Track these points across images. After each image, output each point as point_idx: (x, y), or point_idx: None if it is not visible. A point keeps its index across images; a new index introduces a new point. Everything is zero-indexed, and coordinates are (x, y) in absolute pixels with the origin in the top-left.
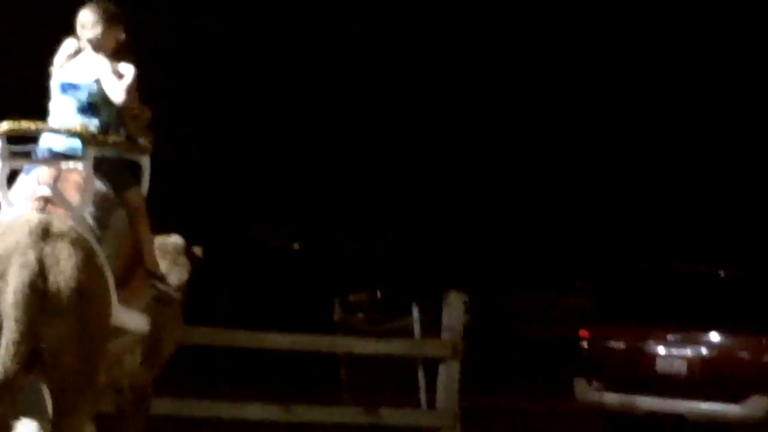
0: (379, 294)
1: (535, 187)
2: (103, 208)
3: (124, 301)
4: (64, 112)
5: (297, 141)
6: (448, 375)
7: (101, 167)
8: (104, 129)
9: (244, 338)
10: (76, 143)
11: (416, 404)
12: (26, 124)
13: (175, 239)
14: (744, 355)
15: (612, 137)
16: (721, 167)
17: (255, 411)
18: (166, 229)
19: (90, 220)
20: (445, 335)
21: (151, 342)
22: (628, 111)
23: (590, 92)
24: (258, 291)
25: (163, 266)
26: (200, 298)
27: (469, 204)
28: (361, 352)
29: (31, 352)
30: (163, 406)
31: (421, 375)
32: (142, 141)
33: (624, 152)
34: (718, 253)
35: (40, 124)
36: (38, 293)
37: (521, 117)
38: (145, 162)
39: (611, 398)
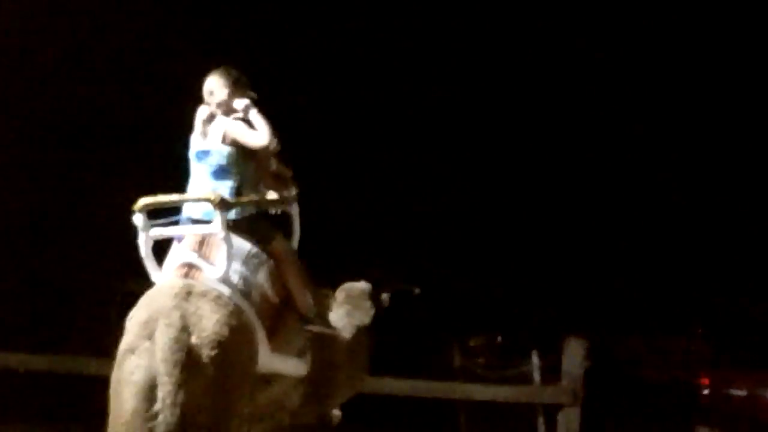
0: (498, 339)
1: (655, 228)
2: (249, 264)
3: (277, 349)
4: (199, 179)
5: (413, 180)
6: (568, 422)
7: (241, 225)
8: (238, 189)
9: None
10: (211, 209)
11: None
12: (162, 198)
13: (362, 284)
14: None
15: (723, 169)
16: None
17: None
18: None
19: (236, 278)
20: (564, 381)
21: (315, 381)
22: (736, 133)
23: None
24: (378, 335)
25: (345, 310)
26: None
27: (588, 246)
28: (480, 398)
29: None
30: None
31: (541, 422)
32: (284, 193)
33: (737, 191)
34: None
35: (173, 197)
36: (184, 348)
37: (628, 153)
38: (295, 211)
39: None
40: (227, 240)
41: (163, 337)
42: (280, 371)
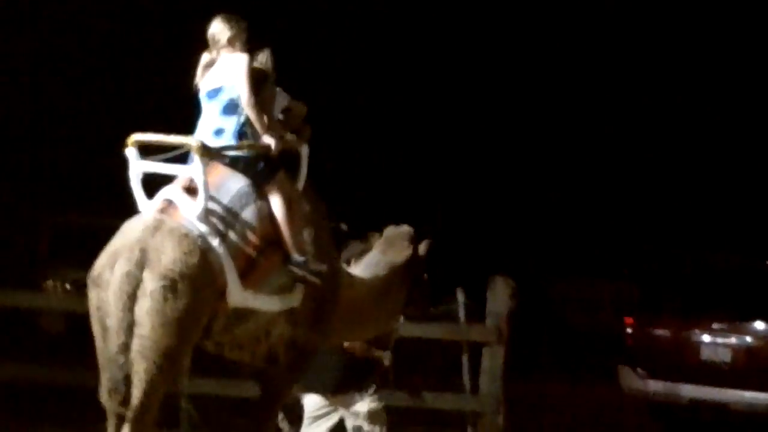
0: (424, 276)
1: (585, 172)
2: (238, 203)
3: (252, 286)
4: (209, 117)
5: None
6: (492, 360)
7: (237, 165)
8: (243, 126)
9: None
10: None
11: (460, 389)
12: (151, 136)
13: (405, 227)
14: None
15: (660, 120)
16: None
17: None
18: None
19: (216, 217)
20: (489, 320)
21: (311, 316)
22: (676, 92)
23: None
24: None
25: (380, 249)
26: None
27: (516, 188)
28: (406, 336)
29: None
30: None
31: (465, 360)
32: (290, 136)
33: (676, 138)
34: (765, 244)
35: (162, 137)
36: (133, 282)
37: (564, 101)
38: (304, 152)
39: (655, 386)
40: (204, 183)
41: (119, 270)
42: (256, 307)
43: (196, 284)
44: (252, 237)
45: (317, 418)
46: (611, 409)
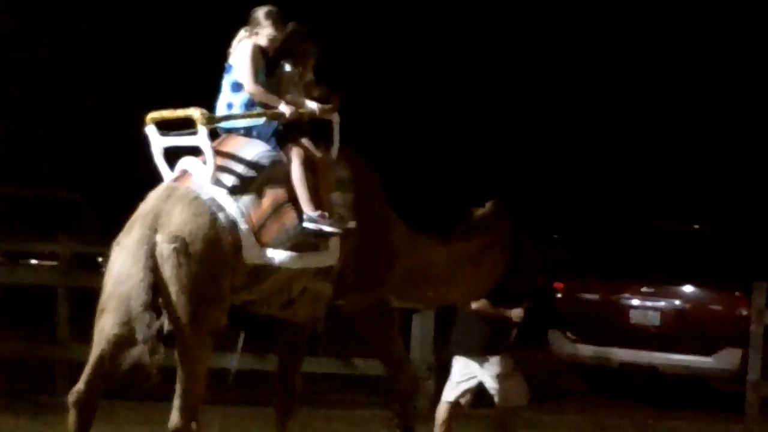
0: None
1: (518, 138)
2: (255, 166)
3: (269, 243)
4: (224, 92)
5: None
6: (422, 326)
7: (252, 134)
8: (251, 101)
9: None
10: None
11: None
12: (165, 113)
13: (505, 204)
14: (716, 308)
15: (594, 95)
16: (700, 127)
17: (230, 361)
18: None
19: (230, 180)
20: None
21: (353, 272)
22: (609, 71)
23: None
24: None
25: (477, 217)
26: None
27: (451, 150)
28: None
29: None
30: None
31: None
32: (312, 105)
33: (605, 111)
34: (692, 210)
35: (172, 111)
36: (147, 244)
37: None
38: (335, 121)
39: (585, 350)
40: (210, 149)
41: (135, 234)
42: (273, 263)
43: (206, 243)
44: (266, 196)
45: (460, 383)
46: (543, 373)
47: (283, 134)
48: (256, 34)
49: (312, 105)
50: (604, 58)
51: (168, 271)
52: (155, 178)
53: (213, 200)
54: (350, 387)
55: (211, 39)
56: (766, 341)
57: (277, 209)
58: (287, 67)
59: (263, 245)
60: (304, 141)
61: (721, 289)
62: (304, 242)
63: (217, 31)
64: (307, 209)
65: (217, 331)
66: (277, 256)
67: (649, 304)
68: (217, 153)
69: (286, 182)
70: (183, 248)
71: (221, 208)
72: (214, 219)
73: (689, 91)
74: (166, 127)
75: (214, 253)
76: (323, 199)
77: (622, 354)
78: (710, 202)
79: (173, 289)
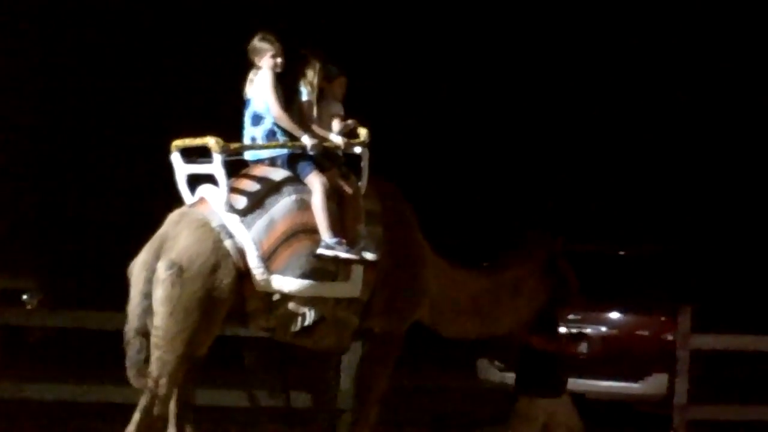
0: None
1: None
2: (273, 192)
3: (279, 270)
4: (246, 126)
5: None
6: (351, 356)
7: (276, 163)
8: (271, 132)
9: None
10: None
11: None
12: (187, 141)
13: (542, 233)
14: (643, 333)
15: (512, 115)
16: (622, 146)
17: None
18: None
19: (245, 205)
20: None
21: (383, 305)
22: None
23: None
24: None
25: (516, 248)
26: None
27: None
28: (265, 334)
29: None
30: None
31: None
32: (336, 138)
33: (526, 128)
34: (618, 233)
35: (192, 140)
36: (148, 268)
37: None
38: (365, 155)
39: (511, 378)
40: (223, 177)
41: (140, 258)
42: (283, 290)
43: (204, 270)
44: (281, 224)
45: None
46: (470, 400)
47: (309, 164)
48: (268, 59)
49: (337, 139)
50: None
51: (159, 293)
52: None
53: (223, 227)
54: (283, 419)
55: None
56: (693, 365)
57: (290, 236)
58: (304, 95)
59: (273, 272)
60: (331, 172)
61: (648, 313)
62: (321, 270)
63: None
64: (325, 236)
65: (196, 358)
66: (288, 283)
67: (575, 330)
68: (239, 181)
69: (306, 211)
70: (178, 273)
71: (230, 235)
72: (218, 246)
73: (611, 110)
74: (190, 154)
75: (210, 280)
76: (347, 230)
77: None
78: (634, 225)
79: (160, 309)
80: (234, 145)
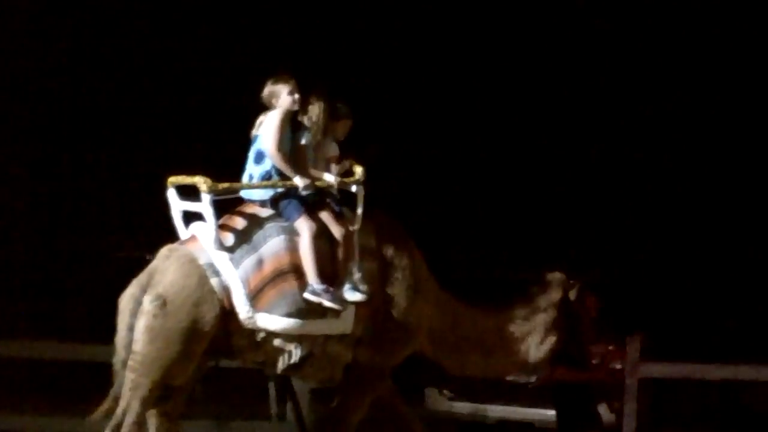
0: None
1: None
2: (263, 232)
3: (264, 308)
4: (248, 163)
5: None
6: (299, 386)
7: (267, 203)
8: (268, 173)
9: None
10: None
11: (267, 416)
12: (180, 178)
13: (557, 273)
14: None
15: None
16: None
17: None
18: None
19: (234, 243)
20: None
21: (375, 340)
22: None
23: None
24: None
25: (530, 291)
26: None
27: None
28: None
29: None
30: None
31: (271, 386)
32: (330, 178)
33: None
34: (563, 260)
35: (184, 178)
36: (133, 302)
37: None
38: (360, 193)
39: (462, 407)
40: (211, 216)
41: (129, 291)
42: (268, 328)
43: (187, 304)
44: (269, 263)
45: None
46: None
47: (298, 208)
48: (285, 98)
49: (330, 178)
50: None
51: (141, 323)
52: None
53: (210, 264)
54: None
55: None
56: (641, 394)
57: (278, 276)
58: (304, 138)
59: (259, 310)
60: (324, 213)
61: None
62: (307, 309)
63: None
64: (313, 280)
65: (170, 386)
66: (274, 321)
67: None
68: (231, 219)
69: (294, 251)
70: (162, 305)
71: (216, 273)
72: (203, 282)
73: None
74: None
75: (193, 314)
76: (339, 270)
77: (499, 410)
78: (583, 254)
79: (141, 337)
80: (222, 185)
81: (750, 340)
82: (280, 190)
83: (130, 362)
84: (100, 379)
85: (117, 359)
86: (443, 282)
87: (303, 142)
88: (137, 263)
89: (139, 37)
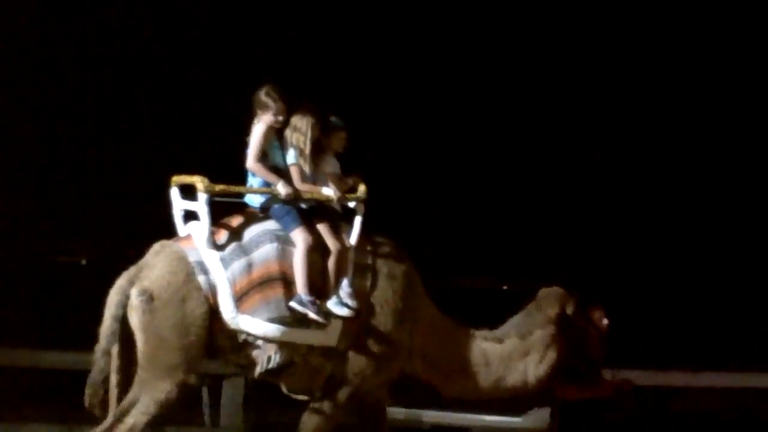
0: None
1: None
2: (257, 239)
3: (249, 311)
4: (249, 174)
5: None
6: (232, 392)
7: (266, 211)
8: (265, 184)
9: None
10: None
11: (200, 422)
12: (183, 177)
13: (556, 288)
14: None
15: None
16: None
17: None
18: None
19: (227, 245)
20: None
21: (363, 357)
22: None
23: None
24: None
25: (528, 309)
26: None
27: None
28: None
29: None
30: None
31: (205, 392)
32: (327, 192)
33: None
34: (501, 267)
35: (182, 177)
36: (120, 294)
37: None
38: (359, 210)
39: (397, 413)
40: (206, 215)
41: (117, 283)
42: (251, 331)
43: (172, 300)
44: (259, 268)
45: None
46: None
47: (296, 219)
48: (269, 116)
49: (328, 191)
50: None
51: (135, 320)
52: None
53: (200, 263)
54: None
55: None
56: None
57: (265, 282)
58: (291, 157)
59: (242, 312)
60: (321, 225)
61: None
62: (292, 318)
63: None
64: (301, 291)
65: (184, 386)
66: (256, 325)
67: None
68: (229, 220)
69: (286, 260)
70: (148, 301)
71: (205, 271)
72: (190, 279)
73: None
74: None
75: (179, 310)
76: (330, 284)
77: (434, 416)
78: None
79: (139, 335)
80: (219, 187)
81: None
82: (279, 197)
83: (138, 358)
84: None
85: (98, 347)
86: (441, 303)
87: (293, 160)
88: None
89: (135, 40)
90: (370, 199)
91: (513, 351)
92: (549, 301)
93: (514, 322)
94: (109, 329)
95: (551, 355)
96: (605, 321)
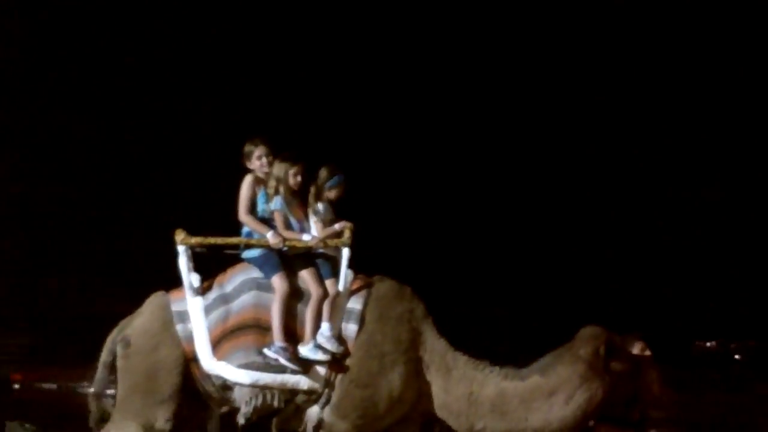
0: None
1: None
2: (240, 287)
3: (223, 358)
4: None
5: None
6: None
7: (250, 261)
8: (249, 233)
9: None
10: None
11: None
12: (178, 232)
13: (591, 328)
14: None
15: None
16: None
17: None
18: None
19: (212, 295)
20: None
21: (349, 403)
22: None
23: None
24: None
25: (560, 350)
26: None
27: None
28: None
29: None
30: None
31: None
32: (311, 239)
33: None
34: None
35: (183, 237)
36: (110, 343)
37: None
38: (344, 255)
39: None
40: (184, 265)
41: (114, 331)
42: (225, 376)
43: (146, 347)
44: (235, 316)
45: None
46: None
47: (276, 265)
48: (254, 161)
49: (307, 237)
50: None
51: (117, 363)
52: None
53: (180, 312)
54: None
55: None
56: None
57: (238, 330)
58: (278, 203)
59: (219, 359)
60: (305, 272)
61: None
62: (266, 364)
63: None
64: (276, 338)
65: (151, 430)
66: (230, 371)
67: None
68: (223, 274)
69: (261, 309)
70: (125, 346)
71: (184, 320)
72: (166, 327)
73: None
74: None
75: (150, 356)
76: (309, 330)
77: None
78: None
79: (118, 379)
80: (195, 239)
81: None
82: (243, 247)
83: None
84: None
85: (91, 392)
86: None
87: (278, 206)
88: None
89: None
90: (381, 235)
91: (535, 390)
92: (583, 340)
93: (542, 360)
94: (101, 374)
95: (581, 396)
96: (647, 352)
